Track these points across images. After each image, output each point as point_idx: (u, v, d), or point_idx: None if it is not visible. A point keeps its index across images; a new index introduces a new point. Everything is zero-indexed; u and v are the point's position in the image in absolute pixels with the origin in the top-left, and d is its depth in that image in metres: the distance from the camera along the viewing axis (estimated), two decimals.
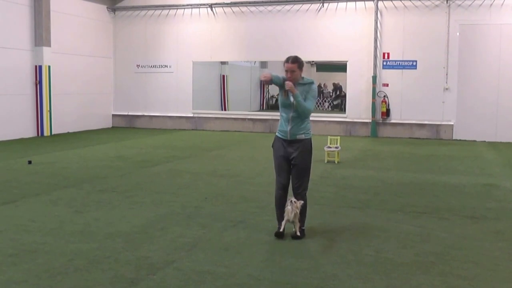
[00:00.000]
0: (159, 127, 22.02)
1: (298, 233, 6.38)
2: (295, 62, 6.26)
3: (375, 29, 19.12)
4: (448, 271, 5.43)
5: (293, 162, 6.40)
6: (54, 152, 14.47)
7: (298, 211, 6.30)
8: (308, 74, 31.43)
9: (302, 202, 6.37)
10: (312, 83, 6.43)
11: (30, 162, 12.25)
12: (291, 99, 6.30)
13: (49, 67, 18.55)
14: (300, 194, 6.44)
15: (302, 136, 6.38)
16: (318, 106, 30.07)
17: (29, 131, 18.28)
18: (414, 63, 18.98)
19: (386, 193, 9.37)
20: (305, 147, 6.42)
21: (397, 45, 19.13)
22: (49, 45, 18.56)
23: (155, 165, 12.33)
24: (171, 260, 5.69)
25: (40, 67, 18.35)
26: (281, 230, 6.39)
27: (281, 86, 6.32)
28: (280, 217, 6.49)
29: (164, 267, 5.49)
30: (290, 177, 6.51)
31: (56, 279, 5.15)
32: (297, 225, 6.40)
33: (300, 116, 6.34)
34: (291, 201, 6.33)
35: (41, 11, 18.26)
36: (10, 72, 17.46)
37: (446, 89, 18.60)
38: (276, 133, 6.61)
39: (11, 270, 5.39)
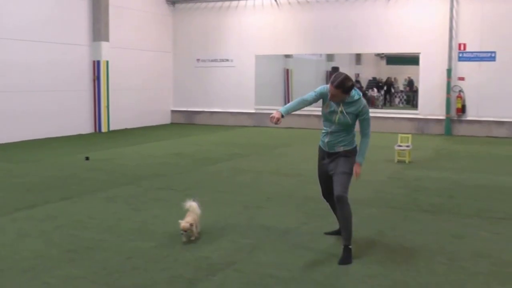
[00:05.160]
0: (220, 123, 22.20)
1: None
2: (339, 87, 5.80)
3: (450, 18, 18.65)
4: None
5: (331, 172, 6.13)
6: (111, 148, 14.87)
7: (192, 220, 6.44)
8: (378, 67, 31.15)
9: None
10: (359, 98, 6.02)
11: (87, 159, 12.61)
12: (333, 108, 5.99)
13: (107, 62, 19.04)
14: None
15: (341, 149, 6.10)
16: (387, 103, 29.73)
17: (86, 127, 18.84)
18: (493, 55, 18.38)
19: (461, 196, 9.16)
20: (343, 156, 6.12)
21: (474, 35, 18.56)
22: (107, 39, 19.05)
23: (215, 163, 12.47)
24: (231, 261, 5.75)
25: (98, 62, 18.87)
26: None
27: (324, 100, 6.07)
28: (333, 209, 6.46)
29: (224, 268, 5.55)
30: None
31: (113, 277, 5.31)
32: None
33: (342, 130, 6.06)
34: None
35: (99, 5, 18.77)
36: (68, 68, 18.02)
37: None
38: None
39: (70, 266, 5.61)
